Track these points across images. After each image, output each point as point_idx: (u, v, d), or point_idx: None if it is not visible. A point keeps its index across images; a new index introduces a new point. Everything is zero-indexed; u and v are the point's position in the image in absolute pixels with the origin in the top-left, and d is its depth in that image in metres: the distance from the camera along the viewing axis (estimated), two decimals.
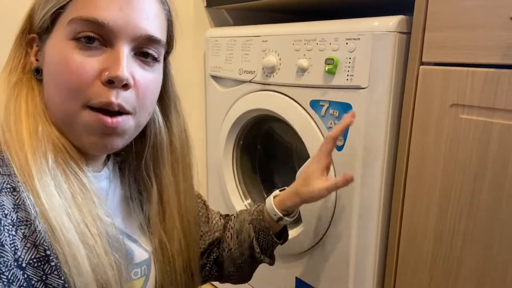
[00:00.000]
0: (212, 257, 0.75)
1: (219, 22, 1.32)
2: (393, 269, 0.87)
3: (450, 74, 0.72)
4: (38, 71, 0.51)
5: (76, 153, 0.49)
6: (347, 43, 0.83)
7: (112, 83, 0.46)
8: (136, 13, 0.47)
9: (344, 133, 0.86)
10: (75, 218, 0.45)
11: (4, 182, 0.43)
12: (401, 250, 0.85)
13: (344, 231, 0.91)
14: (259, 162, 1.26)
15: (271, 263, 0.77)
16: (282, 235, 0.78)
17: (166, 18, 0.55)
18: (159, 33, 0.51)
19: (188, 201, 0.67)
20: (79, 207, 0.46)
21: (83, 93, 0.46)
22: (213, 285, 1.45)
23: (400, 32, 0.79)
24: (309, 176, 0.74)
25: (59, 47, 0.47)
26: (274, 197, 0.75)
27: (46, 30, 0.49)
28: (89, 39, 0.46)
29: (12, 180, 0.44)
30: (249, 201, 1.21)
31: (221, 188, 1.24)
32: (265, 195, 1.24)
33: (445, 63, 0.73)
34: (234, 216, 0.79)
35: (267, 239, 0.73)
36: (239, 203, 1.20)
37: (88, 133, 0.47)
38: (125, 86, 0.47)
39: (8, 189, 0.43)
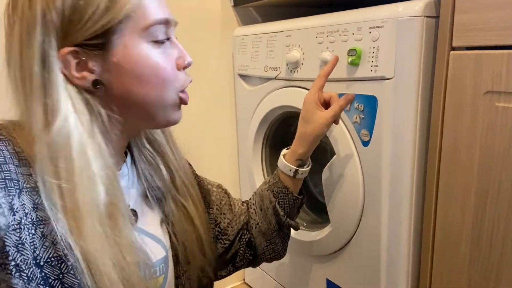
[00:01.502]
0: (243, 240, 0.76)
1: (248, 20, 1.31)
2: (428, 272, 0.81)
3: (484, 58, 0.65)
4: (96, 84, 0.49)
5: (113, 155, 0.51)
6: (370, 32, 0.78)
7: (186, 67, 0.56)
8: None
9: (370, 127, 0.81)
10: (116, 260, 0.47)
11: (25, 181, 0.45)
12: (436, 251, 0.78)
13: (374, 232, 0.86)
14: None
15: (296, 227, 0.79)
16: (301, 193, 0.79)
17: None
18: None
19: (185, 166, 0.68)
20: (118, 241, 0.48)
21: (176, 83, 0.54)
22: (247, 284, 1.44)
23: (427, 16, 0.73)
24: (308, 114, 0.74)
25: (142, 53, 0.50)
26: (283, 156, 0.76)
27: (106, 41, 0.48)
28: (162, 38, 0.52)
29: (32, 180, 0.45)
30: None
31: (251, 186, 1.23)
32: None
33: (477, 47, 0.66)
34: (253, 194, 0.80)
35: (288, 199, 0.75)
36: None
37: (177, 109, 0.56)
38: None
39: (28, 189, 0.45)
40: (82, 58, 0.47)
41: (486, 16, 0.64)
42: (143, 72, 0.50)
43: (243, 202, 0.81)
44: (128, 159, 0.61)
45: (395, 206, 0.82)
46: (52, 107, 0.45)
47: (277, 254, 0.79)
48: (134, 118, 0.54)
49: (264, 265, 1.29)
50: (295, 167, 0.74)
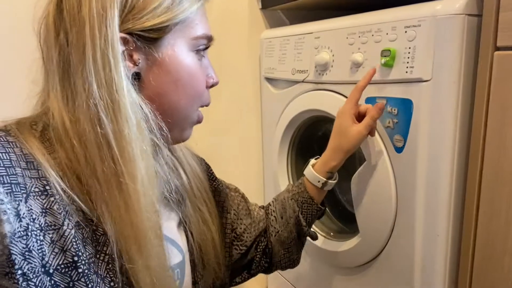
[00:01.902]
0: (260, 247, 0.75)
1: (275, 23, 1.29)
2: (467, 287, 0.75)
3: None
4: (138, 76, 0.48)
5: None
6: (406, 31, 0.74)
7: (212, 86, 0.58)
8: None
9: (404, 132, 0.77)
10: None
11: (32, 185, 0.42)
12: (475, 268, 0.72)
13: (407, 245, 0.80)
14: None
15: (315, 237, 0.80)
16: (323, 204, 0.78)
17: None
18: None
19: (195, 165, 0.68)
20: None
21: (202, 97, 0.55)
22: None
23: (468, 15, 0.68)
24: (342, 128, 0.74)
25: (185, 58, 0.51)
26: (312, 166, 0.75)
27: (159, 36, 0.48)
28: (203, 52, 0.55)
29: (41, 183, 0.43)
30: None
31: (276, 191, 1.19)
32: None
33: None
34: (273, 201, 0.79)
35: (311, 209, 0.74)
36: None
37: (191, 126, 0.57)
38: None
39: (36, 193, 0.42)
40: (130, 47, 0.47)
41: None
42: (182, 77, 0.51)
43: (260, 207, 0.79)
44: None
45: (431, 217, 0.76)
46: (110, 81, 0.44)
47: (292, 262, 0.79)
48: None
49: (288, 274, 1.26)
50: (325, 179, 0.73)
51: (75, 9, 0.44)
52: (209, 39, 0.55)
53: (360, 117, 0.75)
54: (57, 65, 0.46)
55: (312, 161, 0.77)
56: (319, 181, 0.73)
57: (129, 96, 0.45)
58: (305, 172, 0.76)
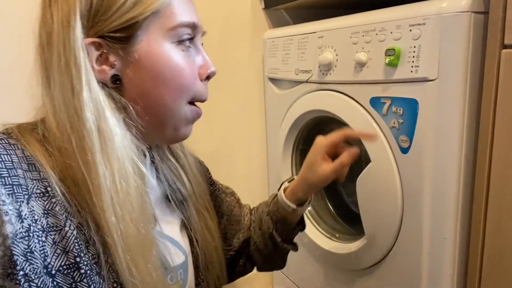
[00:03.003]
0: (245, 253, 0.75)
1: (278, 23, 1.27)
2: None
3: None
4: (115, 79, 0.48)
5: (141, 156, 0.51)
6: (410, 30, 0.72)
7: (209, 78, 0.53)
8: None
9: (410, 132, 0.75)
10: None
11: (34, 187, 0.43)
12: (484, 270, 0.71)
13: (414, 247, 0.79)
14: None
15: (295, 249, 0.76)
16: (301, 221, 0.76)
17: None
18: None
19: (196, 170, 0.67)
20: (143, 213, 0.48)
21: (190, 92, 0.51)
22: None
23: (475, 12, 0.66)
24: (312, 162, 0.70)
25: (165, 52, 0.48)
26: (284, 190, 0.72)
27: (132, 35, 0.47)
28: (189, 41, 0.51)
29: (42, 185, 0.43)
30: (309, 208, 1.13)
31: None
32: (328, 203, 1.15)
33: None
34: (255, 210, 0.78)
35: (286, 228, 0.72)
36: None
37: (187, 124, 0.53)
38: None
39: (38, 194, 0.42)
40: (104, 50, 0.47)
41: None
42: (162, 72, 0.48)
43: (250, 210, 0.79)
44: (147, 161, 0.59)
45: (438, 219, 0.75)
46: (78, 95, 0.44)
47: (277, 266, 0.79)
48: (145, 124, 0.50)
49: (293, 276, 1.25)
50: (295, 206, 0.69)
51: (48, 21, 0.46)
52: (192, 27, 0.50)
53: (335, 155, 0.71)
54: (41, 73, 0.47)
55: (285, 184, 0.74)
56: (289, 207, 0.69)
57: (91, 104, 0.45)
58: (278, 194, 0.73)
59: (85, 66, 0.45)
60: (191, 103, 0.53)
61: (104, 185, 0.44)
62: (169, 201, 0.61)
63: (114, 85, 0.48)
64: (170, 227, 0.60)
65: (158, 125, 0.51)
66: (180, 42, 0.50)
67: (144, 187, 0.49)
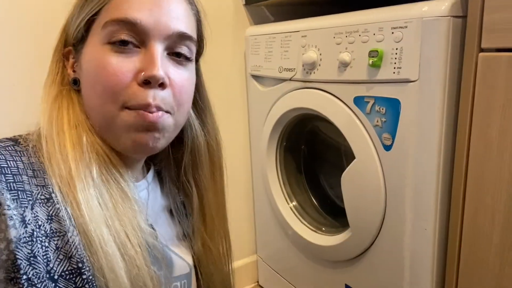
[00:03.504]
0: None
1: (259, 20, 1.28)
2: (454, 281, 0.78)
3: None
4: (75, 82, 0.51)
5: (118, 161, 0.49)
6: (393, 33, 0.75)
7: (149, 83, 0.46)
8: (166, 13, 0.48)
9: (393, 131, 0.79)
10: (115, 229, 0.45)
11: (39, 193, 0.43)
12: (462, 259, 0.76)
13: (396, 238, 0.83)
14: (304, 163, 1.21)
15: None
16: None
17: (195, 18, 0.54)
18: (190, 31, 0.51)
19: (224, 202, 0.67)
20: (120, 217, 0.46)
21: (120, 95, 0.46)
22: (261, 286, 1.43)
23: (454, 16, 0.70)
24: None
25: (95, 53, 0.47)
26: None
27: (81, 40, 0.49)
28: (124, 41, 0.46)
29: (47, 191, 0.44)
30: (294, 203, 1.17)
31: (265, 189, 1.21)
32: (311, 197, 1.19)
33: (509, 48, 0.63)
34: None
35: None
36: (284, 205, 1.16)
37: (128, 131, 0.47)
38: (161, 85, 0.47)
39: (42, 200, 0.43)
40: (72, 58, 0.51)
41: None
42: (90, 74, 0.48)
43: None
44: (150, 174, 0.59)
45: (419, 212, 0.79)
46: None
47: None
48: (99, 132, 0.49)
49: (279, 267, 1.28)
50: None
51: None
52: (126, 23, 0.46)
53: None
54: None
55: None
56: None
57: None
58: None
59: (62, 70, 0.51)
60: (131, 109, 0.47)
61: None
62: (172, 215, 0.61)
63: (76, 87, 0.51)
64: (174, 238, 0.60)
65: (102, 132, 0.49)
66: (112, 43, 0.46)
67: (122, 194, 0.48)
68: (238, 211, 1.37)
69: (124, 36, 0.46)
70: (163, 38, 0.47)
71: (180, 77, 0.50)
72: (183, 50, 0.50)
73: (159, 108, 0.47)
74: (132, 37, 0.46)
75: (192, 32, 0.51)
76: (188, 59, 0.51)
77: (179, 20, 0.49)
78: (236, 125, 1.31)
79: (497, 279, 0.70)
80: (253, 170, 1.32)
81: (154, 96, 0.46)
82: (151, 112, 0.46)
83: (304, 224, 1.11)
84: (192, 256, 0.62)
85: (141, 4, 0.46)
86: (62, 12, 0.52)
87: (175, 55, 0.50)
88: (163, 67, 0.47)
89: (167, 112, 0.48)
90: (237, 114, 1.30)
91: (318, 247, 1.03)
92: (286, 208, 1.16)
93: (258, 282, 1.46)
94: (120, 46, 0.46)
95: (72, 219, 0.43)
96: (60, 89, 0.50)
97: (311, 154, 1.21)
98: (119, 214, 0.46)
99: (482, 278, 0.73)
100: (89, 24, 0.48)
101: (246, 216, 1.39)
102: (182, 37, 0.49)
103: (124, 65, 0.46)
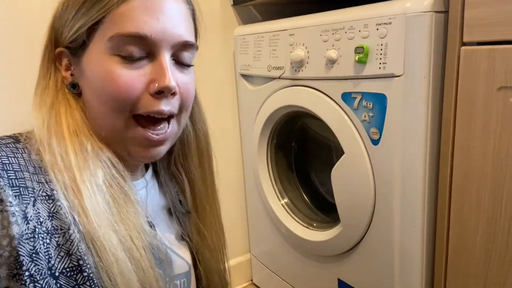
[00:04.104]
0: None
1: (247, 19, 1.29)
2: (443, 272, 0.80)
3: (497, 53, 0.64)
4: (74, 86, 0.50)
5: (120, 164, 0.49)
6: (377, 29, 0.77)
7: (162, 93, 0.47)
8: (171, 21, 0.48)
9: (380, 125, 0.80)
10: (121, 234, 0.45)
11: (40, 190, 0.43)
12: (450, 251, 0.78)
13: (386, 231, 0.85)
14: (295, 160, 1.22)
15: None
16: None
17: (192, 17, 0.55)
18: (191, 36, 0.52)
19: (214, 194, 0.68)
20: (125, 221, 0.47)
21: (132, 106, 0.47)
22: (255, 285, 1.44)
23: (436, 12, 0.71)
24: None
25: (102, 63, 0.46)
26: None
27: (81, 45, 0.48)
28: (133, 53, 0.46)
29: (48, 188, 0.44)
30: (286, 200, 1.18)
31: (257, 187, 1.22)
32: (303, 193, 1.20)
33: (490, 42, 0.65)
34: None
35: None
36: (276, 202, 1.17)
37: (135, 145, 0.49)
38: (173, 94, 0.49)
39: (44, 197, 0.43)
40: (67, 59, 0.50)
41: (498, 10, 0.63)
42: (97, 84, 0.47)
43: None
44: (149, 172, 0.60)
45: (407, 205, 0.81)
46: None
47: None
48: (105, 140, 0.50)
49: (272, 265, 1.29)
50: None
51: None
52: (137, 37, 0.45)
53: None
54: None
55: None
56: None
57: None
58: None
59: (54, 73, 0.50)
60: (139, 118, 0.48)
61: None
62: (171, 214, 0.62)
63: (75, 91, 0.50)
64: (172, 237, 0.61)
65: (107, 139, 0.49)
66: (119, 54, 0.46)
67: (123, 194, 0.48)
68: (231, 210, 1.38)
69: (133, 50, 0.46)
70: (170, 47, 0.48)
71: (186, 82, 0.51)
72: (187, 55, 0.51)
73: (170, 113, 0.49)
74: (141, 49, 0.47)
75: (193, 36, 0.53)
76: (191, 61, 0.53)
77: (182, 26, 0.49)
78: (227, 124, 1.31)
79: (484, 270, 0.72)
80: (245, 168, 1.33)
81: (166, 104, 0.48)
82: (158, 123, 0.49)
83: (296, 221, 1.12)
84: (192, 254, 0.63)
85: (147, 14, 0.46)
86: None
87: (179, 60, 0.51)
88: (173, 76, 0.48)
89: (172, 116, 0.51)
90: (227, 114, 1.31)
91: (310, 242, 1.04)
92: (278, 205, 1.16)
93: (252, 280, 1.46)
94: (130, 58, 0.46)
95: (78, 223, 0.43)
96: (55, 94, 0.50)
97: (301, 151, 1.22)
98: (123, 218, 0.46)
99: (469, 270, 0.74)
100: (91, 30, 0.47)
101: (239, 214, 1.40)
102: (186, 45, 0.50)
103: (135, 78, 0.46)
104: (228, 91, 1.29)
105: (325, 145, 1.14)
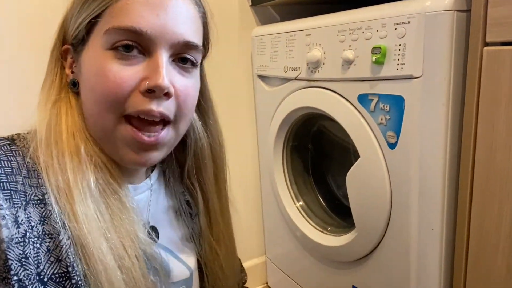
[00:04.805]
0: None
1: (266, 20, 1.28)
2: (462, 282, 0.76)
3: None
4: (74, 84, 0.49)
5: (115, 169, 0.48)
6: (396, 29, 0.74)
7: (153, 92, 0.44)
8: (173, 19, 0.46)
9: (397, 128, 0.77)
10: (112, 242, 0.44)
11: (32, 193, 0.43)
12: (470, 260, 0.74)
13: (403, 238, 0.82)
14: (311, 163, 1.20)
15: None
16: None
17: (202, 20, 0.52)
18: (196, 38, 0.49)
19: (227, 205, 0.66)
20: (117, 229, 0.45)
21: (121, 104, 0.44)
22: (269, 287, 1.43)
23: (457, 10, 0.68)
24: None
25: (96, 58, 0.45)
26: None
27: (81, 41, 0.47)
28: (127, 48, 0.44)
29: (40, 192, 0.43)
30: (301, 203, 1.16)
31: (272, 188, 1.21)
32: (319, 197, 1.18)
33: None
34: None
35: None
36: (291, 205, 1.15)
37: (126, 147, 0.47)
38: (166, 95, 0.46)
39: (36, 201, 0.43)
40: (70, 57, 0.50)
41: None
42: (89, 79, 0.46)
43: None
44: (155, 173, 0.59)
45: (425, 211, 0.77)
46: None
47: None
48: (98, 141, 0.48)
49: (287, 269, 1.27)
50: None
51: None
52: (131, 31, 0.44)
53: None
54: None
55: None
56: None
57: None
58: None
59: (60, 71, 0.50)
60: (130, 120, 0.46)
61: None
62: (179, 215, 0.61)
63: (75, 89, 0.49)
64: (175, 242, 0.59)
65: (100, 141, 0.48)
66: (116, 49, 0.44)
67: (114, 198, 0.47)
68: (247, 212, 1.37)
69: (128, 43, 0.44)
70: (169, 46, 0.46)
71: (185, 85, 0.48)
72: (189, 56, 0.49)
73: (163, 115, 0.46)
74: (137, 44, 0.45)
75: (198, 39, 0.50)
76: (193, 64, 0.50)
77: (186, 26, 0.47)
78: (244, 125, 1.31)
79: (505, 280, 0.68)
80: (261, 170, 1.32)
81: (158, 104, 0.45)
82: (153, 125, 0.46)
83: (311, 224, 1.10)
84: (197, 258, 0.62)
85: (147, 9, 0.44)
86: (62, 9, 0.51)
87: (180, 61, 0.48)
88: (168, 76, 0.45)
89: (168, 122, 0.48)
90: (244, 115, 1.30)
91: (325, 247, 1.02)
92: (293, 208, 1.15)
93: (267, 283, 1.45)
94: (124, 53, 0.44)
95: (68, 228, 0.42)
96: (59, 92, 0.49)
97: (318, 153, 1.20)
98: (116, 225, 0.45)
99: (490, 279, 0.70)
100: (91, 25, 0.46)
101: (254, 216, 1.39)
102: (188, 45, 0.47)
103: (127, 73, 0.44)
104: (245, 92, 1.29)
105: (342, 148, 1.11)
